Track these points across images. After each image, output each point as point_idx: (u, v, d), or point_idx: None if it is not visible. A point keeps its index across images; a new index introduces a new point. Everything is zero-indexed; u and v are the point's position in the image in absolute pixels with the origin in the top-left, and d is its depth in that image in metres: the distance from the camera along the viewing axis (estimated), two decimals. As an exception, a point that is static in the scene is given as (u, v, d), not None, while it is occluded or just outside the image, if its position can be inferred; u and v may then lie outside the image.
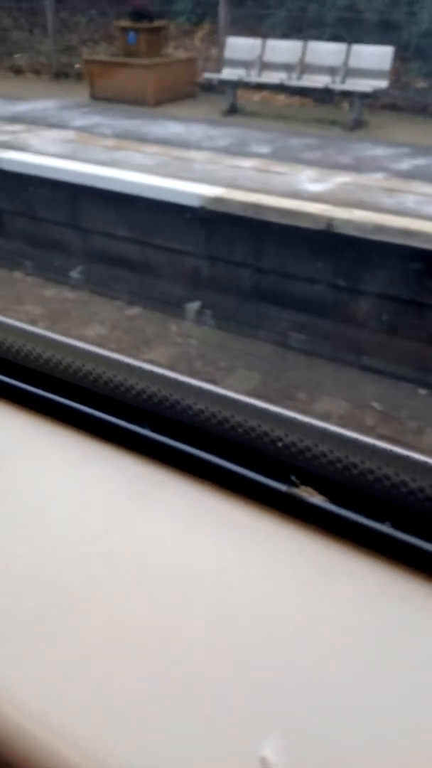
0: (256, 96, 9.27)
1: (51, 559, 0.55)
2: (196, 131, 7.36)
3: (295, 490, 0.57)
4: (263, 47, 8.23)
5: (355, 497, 0.56)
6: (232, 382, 5.00)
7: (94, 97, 9.21)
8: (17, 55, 11.84)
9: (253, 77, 8.18)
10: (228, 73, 8.38)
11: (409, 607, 0.51)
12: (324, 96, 8.54)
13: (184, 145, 6.67)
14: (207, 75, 8.75)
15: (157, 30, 9.25)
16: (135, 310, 6.07)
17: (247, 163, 5.86)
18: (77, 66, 11.05)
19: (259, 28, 10.43)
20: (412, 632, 0.49)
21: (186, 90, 9.47)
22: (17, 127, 7.14)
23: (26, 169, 5.94)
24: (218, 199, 5.00)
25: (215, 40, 11.22)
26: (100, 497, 0.62)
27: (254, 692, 0.45)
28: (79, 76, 10.92)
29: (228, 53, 8.50)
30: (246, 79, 8.10)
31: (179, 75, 9.35)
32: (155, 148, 6.37)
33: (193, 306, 5.83)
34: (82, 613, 0.51)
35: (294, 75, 7.94)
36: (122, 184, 5.38)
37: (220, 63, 10.43)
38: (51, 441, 0.68)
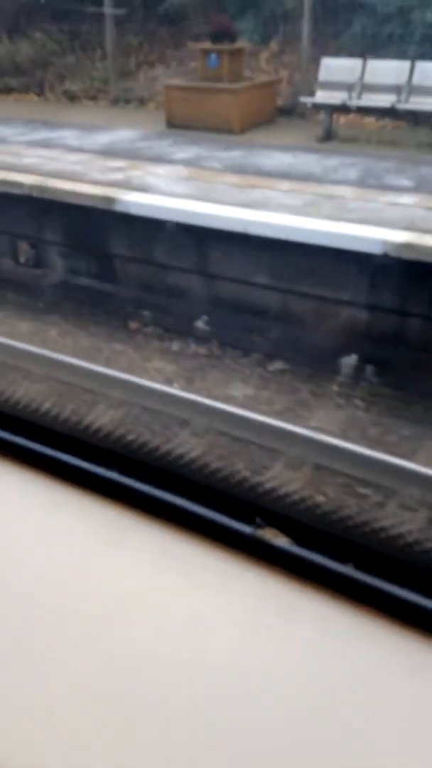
0: (341, 119, 8.71)
1: (16, 609, 0.54)
2: (309, 161, 6.79)
3: (260, 533, 0.57)
4: (364, 68, 7.69)
5: (320, 537, 0.56)
6: (426, 457, 4.37)
7: (172, 124, 8.64)
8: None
9: (354, 100, 7.62)
10: (324, 97, 7.83)
11: (371, 650, 0.50)
12: (419, 119, 8.01)
13: (313, 178, 6.09)
14: (303, 99, 8.19)
15: (239, 52, 8.70)
16: (278, 365, 5.46)
17: (404, 199, 5.28)
18: (137, 91, 10.51)
19: (329, 47, 9.92)
20: (376, 675, 0.49)
21: (268, 115, 8.93)
22: (120, 163, 6.55)
23: (157, 213, 5.34)
24: (408, 246, 4.41)
25: (281, 60, 10.71)
26: (67, 544, 0.61)
27: (223, 746, 0.45)
28: (140, 102, 10.38)
29: (323, 75, 7.95)
30: (349, 102, 7.54)
31: (262, 99, 8.81)
32: (288, 184, 5.79)
33: (350, 360, 5.23)
34: (46, 666, 0.49)
35: (402, 97, 7.39)
36: (285, 230, 4.78)
37: (291, 84, 9.91)
38: (16, 486, 0.66)
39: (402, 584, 0.52)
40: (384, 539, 0.54)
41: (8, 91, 11.44)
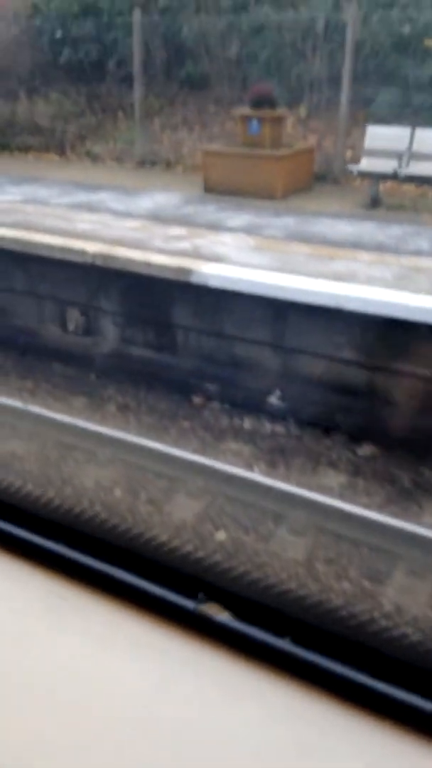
0: (380, 186, 8.62)
1: None
2: (371, 230, 6.59)
3: (203, 608, 0.57)
4: (412, 137, 7.62)
5: (260, 612, 0.56)
6: None
7: (209, 189, 8.45)
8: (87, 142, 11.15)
9: (404, 168, 7.52)
10: (371, 164, 7.72)
11: (306, 726, 0.51)
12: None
13: (386, 249, 5.87)
14: (350, 166, 8.08)
15: (279, 118, 8.61)
16: (368, 449, 5.10)
17: None
18: (163, 154, 10.39)
19: (357, 115, 9.94)
20: (314, 750, 0.50)
21: (305, 181, 8.82)
22: (179, 230, 6.28)
23: (239, 286, 5.03)
24: None
25: (308, 125, 10.71)
26: (8, 615, 0.60)
27: None
28: (167, 165, 10.25)
29: (368, 143, 7.87)
30: (400, 170, 7.43)
31: (301, 166, 8.70)
32: (366, 255, 5.55)
33: (450, 443, 4.90)
34: None
35: (457, 166, 7.31)
36: (387, 306, 4.50)
37: (320, 150, 9.86)
38: None
39: (337, 658, 0.53)
40: (322, 613, 0.54)
41: (26, 149, 11.27)
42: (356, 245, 5.95)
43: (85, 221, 6.51)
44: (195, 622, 0.57)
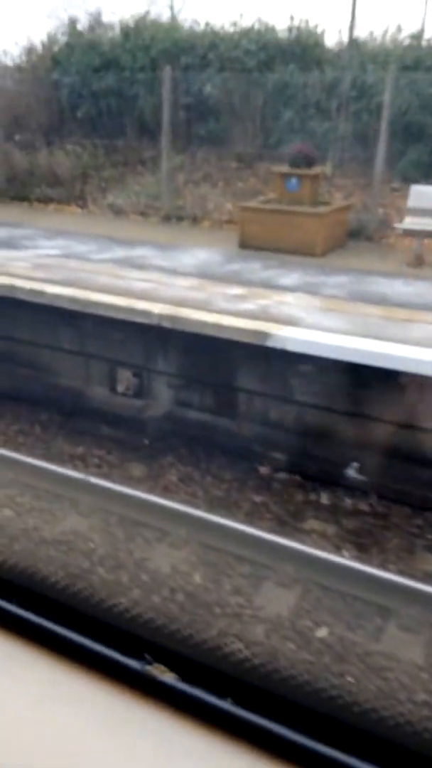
0: (407, 242, 8.51)
1: None
2: None
3: (148, 669, 0.57)
4: (458, 196, 7.54)
5: (205, 673, 0.57)
6: None
7: (245, 245, 8.27)
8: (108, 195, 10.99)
9: (451, 228, 7.41)
10: (417, 223, 7.61)
11: None
12: None
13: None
14: (396, 225, 7.96)
15: (317, 176, 8.51)
16: (463, 526, 4.77)
17: None
18: (189, 209, 10.24)
19: (384, 172, 9.91)
20: None
21: (341, 238, 8.69)
22: (237, 290, 6.02)
23: (323, 351, 4.75)
24: None
25: (333, 182, 10.66)
26: None
27: None
28: (194, 220, 10.09)
29: (412, 201, 7.76)
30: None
31: (338, 223, 8.58)
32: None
33: None
34: None
35: None
36: None
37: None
38: None
39: (274, 718, 0.53)
40: (263, 674, 0.55)
41: (46, 200, 11.07)
42: (427, 307, 5.73)
43: (138, 279, 6.23)
44: (140, 682, 0.57)
